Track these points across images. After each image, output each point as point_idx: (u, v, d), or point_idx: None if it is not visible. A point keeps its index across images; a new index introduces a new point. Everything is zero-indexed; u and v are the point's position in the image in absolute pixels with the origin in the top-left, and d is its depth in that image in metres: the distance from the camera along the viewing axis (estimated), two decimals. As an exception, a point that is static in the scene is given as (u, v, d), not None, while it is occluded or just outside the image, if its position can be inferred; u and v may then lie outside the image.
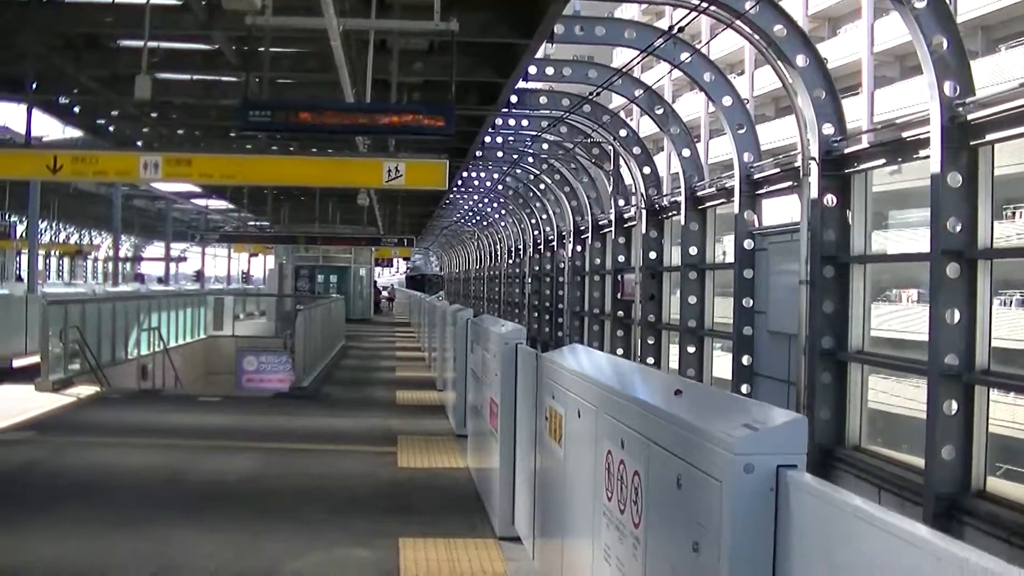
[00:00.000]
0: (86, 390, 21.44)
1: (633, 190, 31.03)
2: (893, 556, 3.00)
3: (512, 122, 33.07)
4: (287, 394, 22.66)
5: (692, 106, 65.58)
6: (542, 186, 42.34)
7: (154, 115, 30.14)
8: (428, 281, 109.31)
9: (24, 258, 77.59)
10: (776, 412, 3.89)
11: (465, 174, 44.84)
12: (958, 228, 14.13)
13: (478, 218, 65.16)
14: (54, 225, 78.57)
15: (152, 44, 17.53)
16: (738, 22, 18.00)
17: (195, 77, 27.28)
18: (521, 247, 52.92)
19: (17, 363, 28.63)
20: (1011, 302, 31.96)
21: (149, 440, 16.07)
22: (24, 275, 72.50)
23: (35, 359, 27.66)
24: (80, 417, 18.27)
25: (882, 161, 17.04)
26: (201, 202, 60.49)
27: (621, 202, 33.15)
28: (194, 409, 20.15)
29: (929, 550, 2.85)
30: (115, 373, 24.75)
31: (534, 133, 33.92)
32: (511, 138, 36.13)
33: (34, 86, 21.49)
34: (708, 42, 25.50)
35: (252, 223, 57.88)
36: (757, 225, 21.80)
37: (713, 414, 4.19)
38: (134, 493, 12.40)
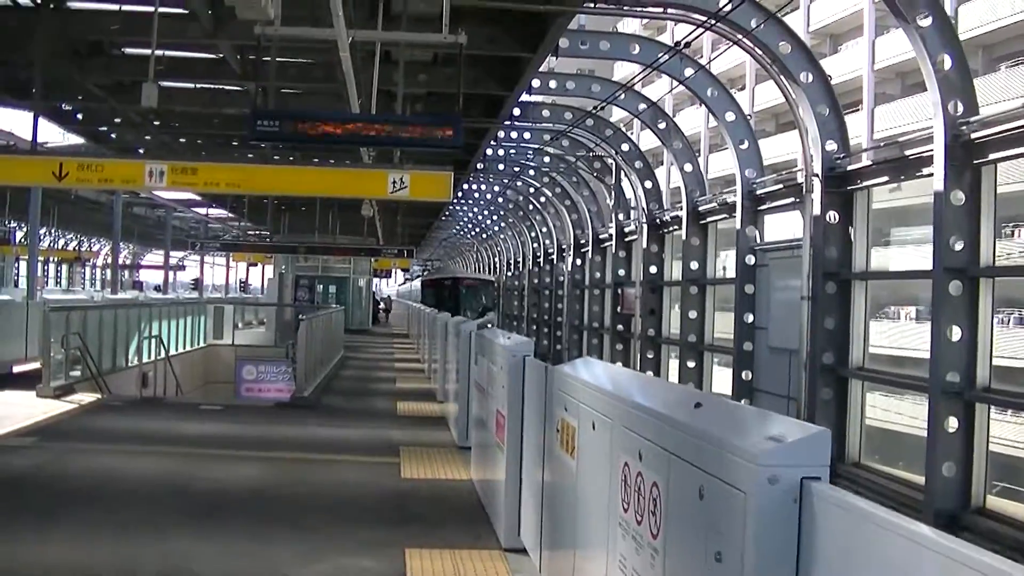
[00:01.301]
0: (87, 397, 21.45)
1: (634, 204, 31.14)
2: (920, 567, 3.05)
3: (514, 135, 33.24)
4: (288, 404, 22.68)
5: (692, 120, 65.70)
6: (543, 199, 42.50)
7: (157, 123, 30.24)
8: (466, 290, 62.74)
9: (23, 264, 77.80)
10: (799, 425, 3.96)
11: (466, 186, 44.99)
12: (960, 246, 14.22)
13: (477, 230, 65.35)
14: (53, 231, 78.60)
15: (158, 52, 17.59)
16: (744, 39, 18.11)
17: (199, 86, 27.39)
18: (521, 260, 53.08)
19: (17, 369, 28.67)
20: (1009, 320, 32.06)
21: (152, 448, 16.10)
22: (23, 281, 72.66)
23: (35, 365, 27.73)
24: (83, 424, 18.29)
25: (885, 178, 17.16)
26: (201, 210, 60.61)
27: (622, 216, 33.28)
28: (196, 417, 20.17)
29: (959, 559, 2.91)
30: (115, 380, 24.77)
31: (536, 146, 34.09)
32: (513, 151, 36.29)
33: (36, 92, 21.57)
34: (713, 59, 25.58)
35: (252, 232, 57.94)
36: (759, 241, 21.88)
37: (735, 427, 4.25)
38: (139, 500, 12.43)
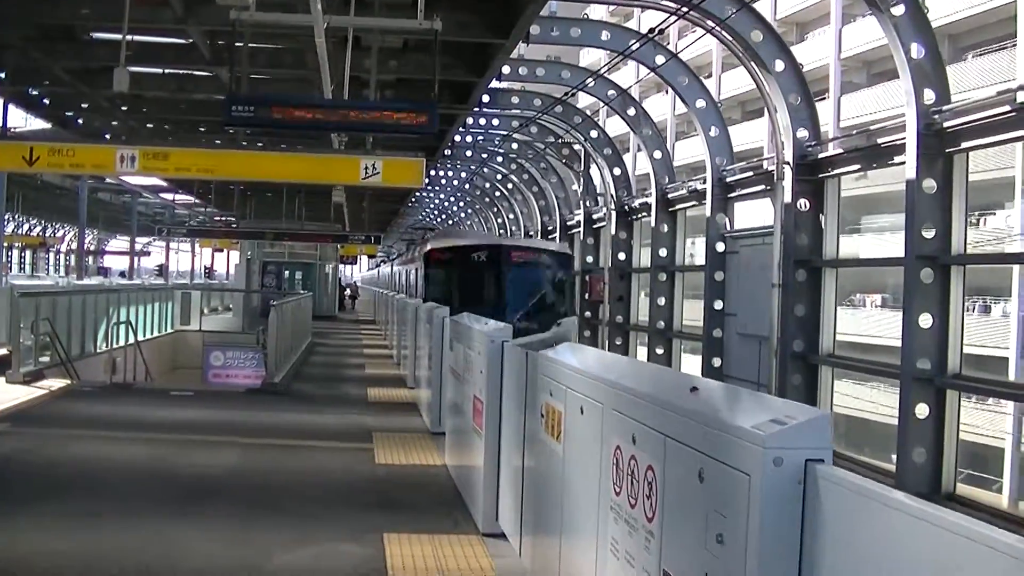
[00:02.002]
0: (57, 383, 21.35)
1: (602, 191, 31.21)
2: (926, 544, 3.11)
3: (483, 121, 33.24)
4: (260, 390, 22.66)
5: (659, 108, 65.78)
6: (510, 185, 42.52)
7: (124, 108, 30.08)
8: (517, 272, 26.80)
9: (-15, 250, 77.27)
10: (800, 408, 4.01)
11: (433, 172, 44.92)
12: (932, 234, 14.32)
13: (444, 217, 65.26)
14: (17, 217, 78.04)
15: (128, 38, 17.51)
16: (716, 27, 18.17)
17: (167, 71, 27.25)
18: (487, 247, 52.97)
19: (-17, 356, 28.45)
20: (973, 308, 32.32)
21: (127, 434, 16.05)
22: (-15, 267, 72.12)
23: (2, 351, 27.55)
24: (55, 410, 18.22)
25: (856, 167, 17.27)
26: (168, 196, 60.32)
27: (590, 203, 33.33)
28: (168, 403, 20.12)
29: (966, 535, 2.96)
30: (84, 366, 24.65)
31: (504, 132, 34.06)
32: (481, 137, 36.27)
33: (5, 77, 21.45)
34: (687, 47, 25.63)
35: (218, 218, 57.70)
36: (728, 228, 21.97)
37: (735, 410, 4.30)
38: (117, 486, 12.41)
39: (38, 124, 33.93)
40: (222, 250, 74.91)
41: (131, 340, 29.30)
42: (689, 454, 4.45)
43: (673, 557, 4.64)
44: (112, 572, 9.06)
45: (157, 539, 10.15)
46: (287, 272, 61.84)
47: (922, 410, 14.20)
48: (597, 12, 56.66)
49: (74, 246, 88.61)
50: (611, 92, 26.76)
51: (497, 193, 45.60)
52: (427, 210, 67.97)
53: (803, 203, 17.78)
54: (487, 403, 10.65)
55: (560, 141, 32.30)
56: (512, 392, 9.94)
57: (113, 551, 9.67)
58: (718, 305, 22.08)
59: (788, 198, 17.81)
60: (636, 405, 5.23)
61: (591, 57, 64.28)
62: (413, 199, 58.55)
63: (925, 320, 14.25)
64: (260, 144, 27.25)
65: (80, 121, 32.53)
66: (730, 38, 18.64)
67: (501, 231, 47.41)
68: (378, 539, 10.28)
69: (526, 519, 8.99)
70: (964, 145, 14.10)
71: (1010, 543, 2.82)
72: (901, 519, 3.20)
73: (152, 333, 34.49)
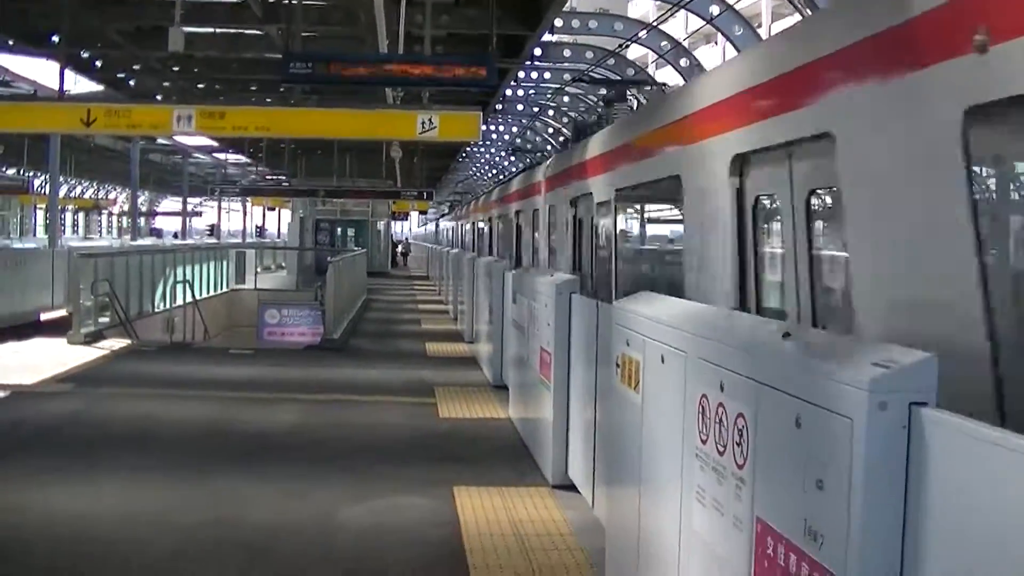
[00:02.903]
0: (118, 343, 21.54)
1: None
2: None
3: (535, 75, 33.02)
4: (318, 346, 22.76)
5: (710, 59, 65.32)
6: (562, 139, 42.30)
7: (176, 69, 30.14)
8: None
9: (39, 213, 77.94)
10: (903, 351, 3.94)
11: (484, 127, 44.79)
12: None
13: (494, 171, 65.14)
14: (70, 180, 78.62)
15: (180, -3, 17.55)
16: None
17: (218, 30, 27.26)
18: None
19: (44, 316, 28.72)
20: None
21: (190, 392, 16.15)
22: (39, 230, 72.75)
23: (61, 313, 27.81)
24: (116, 369, 18.37)
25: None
26: (220, 156, 60.54)
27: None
28: (228, 362, 20.25)
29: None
30: (142, 326, 24.86)
31: (556, 86, 33.86)
32: (532, 91, 36.08)
33: (59, 40, 21.53)
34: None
35: (269, 177, 57.87)
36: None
37: (834, 354, 4.24)
38: (183, 443, 12.50)
39: (89, 87, 34.04)
40: (274, 208, 75.25)
41: (188, 300, 29.49)
42: (785, 400, 4.39)
43: (767, 504, 4.59)
44: (182, 525, 9.13)
45: (225, 494, 10.22)
46: (340, 229, 62.02)
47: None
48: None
49: (126, 208, 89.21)
50: (664, 44, 26.57)
51: (548, 147, 45.46)
52: (477, 165, 67.90)
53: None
54: (555, 355, 10.62)
55: (612, 93, 32.10)
56: (581, 343, 9.91)
57: (182, 506, 9.75)
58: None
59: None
60: (725, 352, 5.17)
61: (639, 8, 63.84)
62: (464, 154, 58.48)
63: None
64: (311, 103, 27.29)
65: (132, 83, 32.61)
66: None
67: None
68: (447, 492, 10.30)
69: (599, 471, 8.97)
70: None
71: None
72: (1014, 460, 3.13)
73: (208, 292, 34.71)
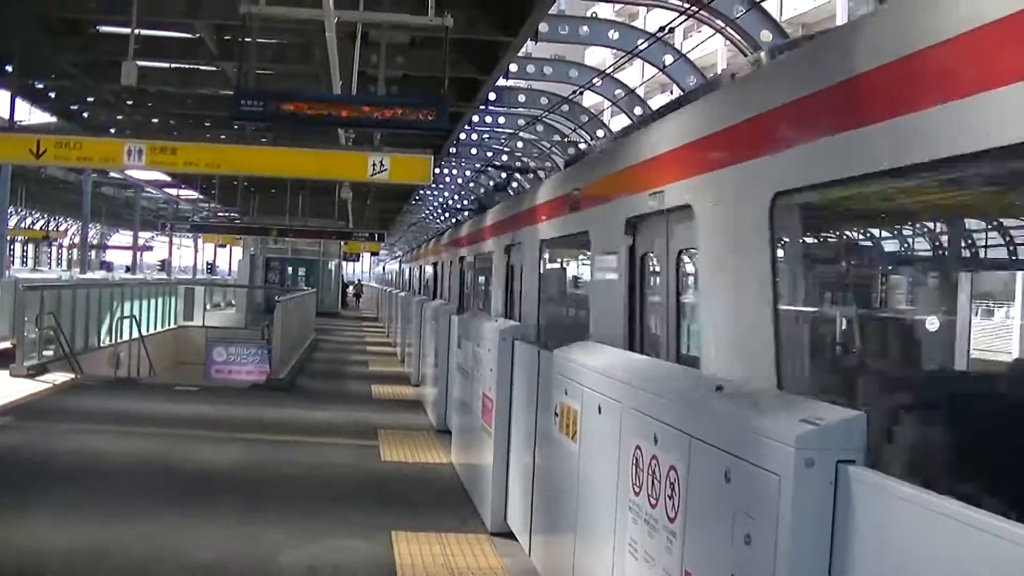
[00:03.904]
0: (61, 377, 21.34)
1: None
2: (964, 548, 3.06)
3: (489, 119, 33.08)
4: (264, 385, 22.63)
5: (663, 108, 65.63)
6: (515, 184, 42.36)
7: (130, 103, 29.99)
8: None
9: (-12, 243, 77.01)
10: (831, 408, 3.97)
11: (438, 170, 44.78)
12: None
13: (447, 215, 65.13)
14: (20, 210, 77.97)
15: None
16: (725, 27, 18.10)
17: (174, 65, 27.17)
18: (490, 245, 52.69)
19: (-12, 348, 28.38)
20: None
21: (133, 428, 16.02)
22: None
23: (4, 344, 27.50)
24: (59, 403, 18.20)
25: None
26: (172, 191, 60.22)
27: (596, 202, 33.16)
28: (173, 398, 20.09)
29: (1006, 538, 2.91)
30: (87, 361, 24.61)
31: (510, 131, 33.93)
32: (486, 135, 36.12)
33: (11, 70, 21.40)
34: (695, 48, 25.57)
35: (221, 214, 57.60)
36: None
37: (764, 410, 4.26)
38: (125, 480, 12.39)
39: (43, 118, 33.82)
40: (225, 246, 74.87)
41: (135, 335, 29.26)
42: (715, 454, 4.41)
43: (696, 557, 4.60)
44: (121, 565, 9.03)
45: (164, 533, 10.12)
46: (290, 268, 61.93)
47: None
48: (604, 11, 56.63)
49: (77, 240, 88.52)
50: (618, 92, 26.66)
51: (499, 202, 45.47)
52: (430, 207, 67.89)
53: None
54: (497, 401, 10.61)
55: (567, 140, 32.18)
56: (523, 390, 9.90)
57: (120, 545, 9.65)
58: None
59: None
60: (658, 404, 5.19)
61: (595, 57, 64.20)
62: (417, 197, 58.44)
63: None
64: (264, 140, 27.20)
65: (85, 115, 32.40)
66: (739, 37, 18.55)
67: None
68: (386, 537, 10.26)
69: (537, 518, 8.95)
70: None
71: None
72: (937, 522, 3.15)
73: (156, 328, 34.46)
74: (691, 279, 7.68)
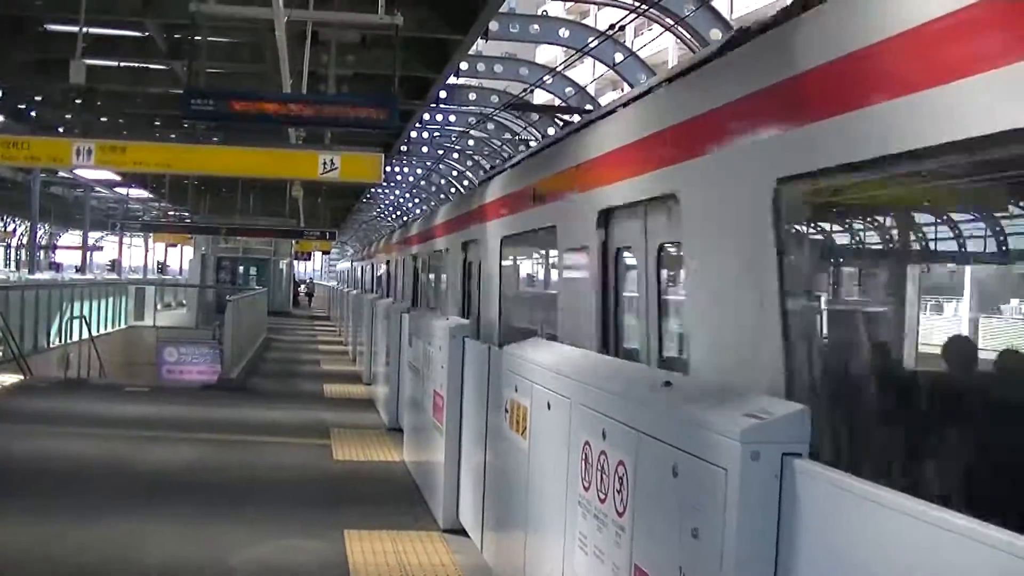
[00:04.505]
0: (10, 378, 21.19)
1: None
2: (906, 538, 3.11)
3: (440, 118, 33.09)
4: (215, 386, 22.54)
5: (614, 106, 65.69)
6: (466, 182, 42.38)
7: (79, 101, 29.78)
8: None
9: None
10: (777, 402, 4.01)
11: (389, 168, 44.71)
12: None
13: (399, 213, 65.06)
14: (-35, 211, 77.24)
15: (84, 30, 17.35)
16: (675, 25, 18.19)
17: (123, 64, 27.00)
18: (442, 243, 52.63)
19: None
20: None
21: (83, 429, 15.93)
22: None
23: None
24: (8, 405, 18.07)
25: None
26: (122, 190, 59.78)
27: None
28: (124, 399, 19.98)
29: (946, 528, 2.96)
30: (37, 362, 24.45)
31: (461, 129, 33.95)
32: (437, 134, 36.14)
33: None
34: (644, 46, 25.68)
35: (172, 213, 57.28)
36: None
37: (710, 405, 4.29)
38: (74, 482, 12.32)
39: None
40: (176, 245, 74.35)
41: (84, 335, 29.06)
42: (663, 449, 4.44)
43: (645, 551, 4.64)
44: (73, 567, 8.98)
45: (116, 535, 10.08)
46: (242, 268, 61.65)
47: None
48: (555, 9, 56.67)
49: (25, 241, 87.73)
50: (568, 89, 26.74)
51: (453, 190, 45.47)
52: (382, 206, 67.80)
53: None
54: (448, 399, 10.63)
55: (518, 138, 32.23)
56: (473, 388, 9.93)
57: (73, 547, 9.60)
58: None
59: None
60: (607, 401, 5.22)
61: (547, 55, 64.25)
62: (368, 195, 58.32)
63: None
64: (216, 139, 27.09)
65: (34, 114, 32.15)
66: (688, 36, 18.65)
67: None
68: (339, 535, 10.25)
69: (488, 515, 8.97)
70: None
71: (994, 537, 2.81)
72: (880, 513, 3.20)
73: (107, 328, 34.24)
74: (675, 275, 7.48)
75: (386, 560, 9.51)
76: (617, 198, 7.91)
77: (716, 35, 18.08)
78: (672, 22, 18.31)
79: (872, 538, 3.24)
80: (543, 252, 13.57)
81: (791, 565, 3.68)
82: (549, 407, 6.27)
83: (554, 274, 11.50)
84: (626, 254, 8.30)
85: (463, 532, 10.31)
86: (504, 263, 13.79)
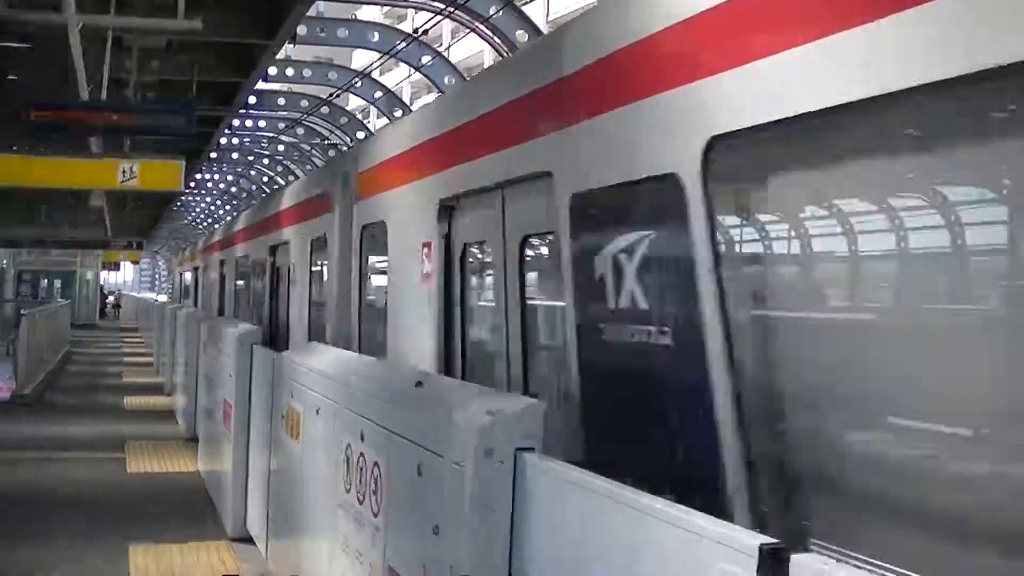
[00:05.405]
0: None
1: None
2: (620, 523, 3.18)
3: (249, 123, 32.75)
4: (8, 401, 21.85)
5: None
6: (276, 188, 42.09)
7: None
8: None
9: None
10: (514, 399, 4.02)
11: (199, 175, 44.11)
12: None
13: (210, 221, 64.25)
14: None
15: None
16: (481, 26, 18.32)
17: None
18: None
19: None
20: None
21: None
22: None
23: None
24: None
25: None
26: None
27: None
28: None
29: (650, 514, 3.05)
30: None
31: (271, 135, 33.67)
32: (247, 140, 35.79)
33: None
34: (450, 46, 25.79)
35: (-34, 225, 55.52)
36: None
37: (453, 403, 4.28)
38: None
39: None
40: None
41: None
42: (410, 448, 4.43)
43: (396, 551, 4.62)
44: None
45: None
46: (45, 280, 60.39)
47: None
48: (371, 13, 56.42)
49: None
50: (378, 94, 26.74)
51: (264, 195, 45.15)
52: (193, 214, 66.89)
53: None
54: (236, 406, 10.48)
55: (327, 142, 32.12)
56: (260, 395, 9.79)
57: None
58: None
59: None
60: (364, 402, 5.19)
61: (365, 58, 63.99)
62: (179, 203, 57.40)
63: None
64: (15, 148, 26.34)
65: None
66: (495, 38, 18.76)
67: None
68: (122, 551, 9.98)
69: (272, 522, 8.86)
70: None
71: (687, 519, 2.89)
72: (598, 502, 3.26)
73: None
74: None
75: (172, 572, 9.31)
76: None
77: (523, 36, 18.27)
78: (476, 23, 18.44)
79: (592, 525, 3.31)
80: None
81: (524, 555, 3.70)
82: (318, 412, 6.20)
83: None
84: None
85: (252, 540, 10.17)
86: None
